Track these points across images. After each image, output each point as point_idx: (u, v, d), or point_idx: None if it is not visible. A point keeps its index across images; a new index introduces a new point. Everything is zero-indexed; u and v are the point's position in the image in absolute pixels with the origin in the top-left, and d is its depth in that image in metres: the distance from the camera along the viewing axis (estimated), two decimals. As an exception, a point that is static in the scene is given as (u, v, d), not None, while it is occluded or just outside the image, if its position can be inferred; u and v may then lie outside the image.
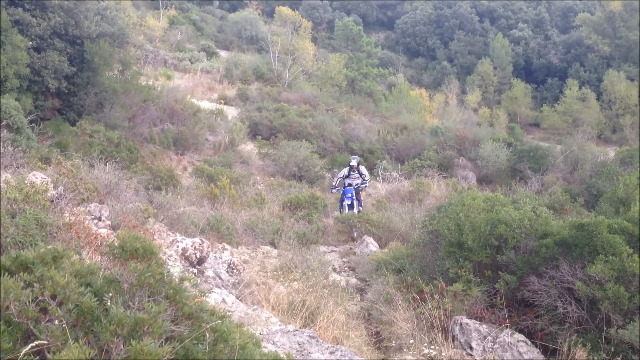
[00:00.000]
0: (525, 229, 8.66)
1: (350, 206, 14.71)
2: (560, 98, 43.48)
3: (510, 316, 8.13)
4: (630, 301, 7.48)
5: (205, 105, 25.47)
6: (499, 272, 8.50)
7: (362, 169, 15.39)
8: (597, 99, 43.24)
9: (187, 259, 6.96)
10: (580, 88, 43.87)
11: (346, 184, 15.06)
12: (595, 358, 6.59)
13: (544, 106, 43.77)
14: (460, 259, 8.65)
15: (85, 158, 10.59)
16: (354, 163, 15.14)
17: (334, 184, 15.56)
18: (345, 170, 15.33)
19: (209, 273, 7.14)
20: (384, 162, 21.42)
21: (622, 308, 7.51)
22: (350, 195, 14.78)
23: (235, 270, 7.56)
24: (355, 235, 13.19)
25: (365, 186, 15.48)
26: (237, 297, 6.77)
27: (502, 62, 50.00)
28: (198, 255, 7.06)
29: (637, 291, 7.57)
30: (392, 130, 25.30)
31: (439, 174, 20.91)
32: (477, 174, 21.57)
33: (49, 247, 3.13)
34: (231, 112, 26.01)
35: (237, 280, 7.52)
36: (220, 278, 7.36)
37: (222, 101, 28.07)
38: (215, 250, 8.12)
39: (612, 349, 7.04)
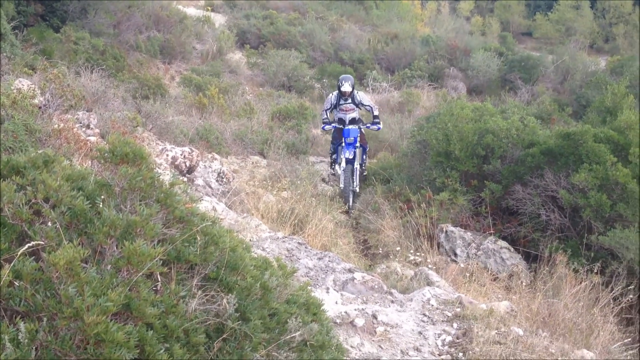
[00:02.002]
0: (512, 138, 8.75)
1: (350, 161, 9.59)
2: (553, 6, 42.64)
3: (494, 224, 8.35)
4: (611, 209, 7.69)
5: (192, 12, 24.77)
6: (485, 181, 8.65)
7: (363, 96, 9.96)
8: (591, 7, 42.49)
9: (176, 167, 7.01)
10: (574, -4, 43.02)
11: (345, 121, 9.84)
12: (576, 263, 6.82)
13: (537, 14, 42.98)
14: (448, 169, 8.77)
15: (70, 66, 10.40)
16: (346, 88, 9.65)
17: (323, 117, 10.12)
18: (331, 97, 9.95)
19: (199, 182, 7.21)
20: (374, 72, 21.18)
21: (604, 215, 7.73)
22: (352, 140, 9.58)
23: (224, 179, 7.63)
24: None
25: (379, 128, 10.05)
26: (227, 206, 6.87)
27: (497, -31, 48.57)
28: (188, 164, 7.10)
29: (619, 199, 7.76)
30: (382, 40, 24.88)
31: (429, 85, 20.77)
32: (468, 84, 21.45)
33: (40, 151, 3.15)
34: (218, 19, 25.37)
35: (226, 189, 7.60)
36: (210, 187, 7.44)
37: (209, 8, 27.29)
38: (204, 160, 8.16)
39: (592, 255, 7.29)
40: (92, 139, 5.06)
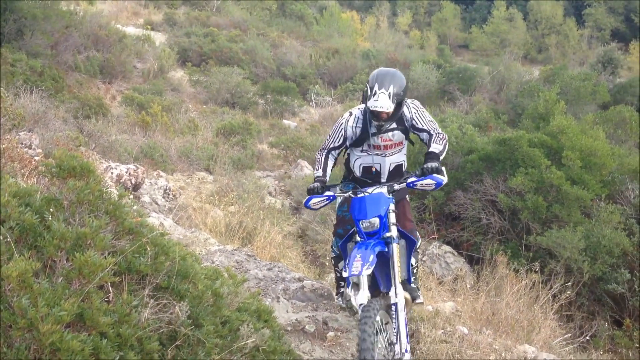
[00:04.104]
0: (451, 146, 9.03)
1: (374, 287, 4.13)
2: (488, 19, 44.10)
3: (438, 229, 8.60)
4: (547, 210, 8.06)
5: (131, 31, 24.51)
6: (428, 188, 8.89)
7: (418, 112, 4.50)
8: (524, 19, 44.14)
9: (122, 185, 6.97)
10: (507, 8, 44.60)
11: (381, 172, 4.66)
12: (516, 263, 7.09)
13: (473, 27, 44.39)
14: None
15: (8, 87, 10.20)
16: (383, 103, 4.16)
17: (316, 170, 4.59)
18: (346, 123, 4.58)
19: (145, 199, 7.20)
20: (317, 86, 21.46)
21: (541, 217, 8.09)
22: (375, 224, 4.06)
23: (171, 196, 7.63)
24: None
25: (439, 183, 4.05)
26: (174, 221, 6.88)
27: (432, -16, 49.96)
28: (133, 182, 7.08)
29: (554, 200, 8.14)
30: (324, 55, 25.24)
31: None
32: (409, 96, 21.89)
33: (-16, 169, 3.15)
34: (159, 38, 25.17)
35: (173, 205, 7.61)
36: (156, 203, 7.43)
37: (149, 27, 27.07)
38: (150, 177, 8.13)
39: (531, 255, 7.60)
40: (37, 158, 5.02)
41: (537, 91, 14.14)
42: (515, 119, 15.61)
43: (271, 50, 24.91)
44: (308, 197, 4.25)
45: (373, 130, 4.46)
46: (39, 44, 16.48)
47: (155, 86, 18.31)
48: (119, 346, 2.55)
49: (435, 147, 4.25)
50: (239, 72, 20.24)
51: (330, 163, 4.64)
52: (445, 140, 4.34)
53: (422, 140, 4.52)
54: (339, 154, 4.72)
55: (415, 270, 4.69)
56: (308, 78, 22.65)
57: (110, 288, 2.88)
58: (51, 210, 2.91)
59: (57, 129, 8.19)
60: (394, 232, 4.06)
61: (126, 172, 7.04)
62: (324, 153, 4.63)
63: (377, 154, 4.56)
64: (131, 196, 6.96)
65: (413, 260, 4.59)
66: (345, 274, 3.85)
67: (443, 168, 4.07)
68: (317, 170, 4.55)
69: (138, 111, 13.86)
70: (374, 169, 4.62)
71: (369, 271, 3.62)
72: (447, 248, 8.07)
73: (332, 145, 4.63)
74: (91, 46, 19.47)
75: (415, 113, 4.47)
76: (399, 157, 4.63)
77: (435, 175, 3.99)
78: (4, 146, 4.42)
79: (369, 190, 4.19)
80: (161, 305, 3.02)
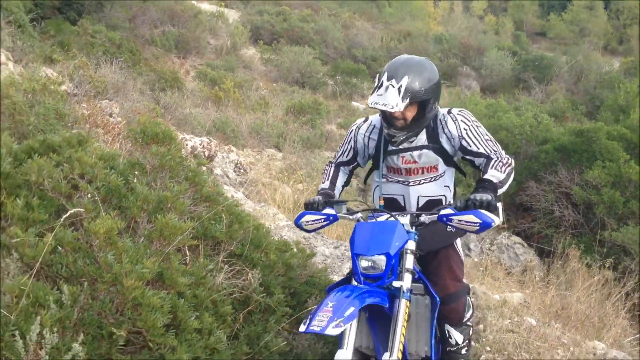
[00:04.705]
0: (526, 135, 8.81)
1: None
2: (567, 6, 42.49)
3: (508, 220, 8.42)
4: (624, 206, 7.76)
5: (206, 7, 24.91)
6: (499, 176, 8.72)
7: (472, 131, 3.11)
8: (605, 8, 42.31)
9: (195, 157, 7.13)
10: (588, -4, 42.89)
11: (406, 204, 3.29)
12: (589, 258, 6.89)
13: (551, 14, 42.85)
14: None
15: (89, 58, 10.55)
16: (390, 100, 2.88)
17: (320, 186, 3.35)
18: (357, 131, 3.35)
19: (217, 171, 7.33)
20: (387, 69, 21.23)
21: (617, 212, 7.80)
22: (380, 266, 2.74)
23: (242, 170, 7.75)
24: None
25: (490, 223, 2.70)
26: (245, 195, 6.99)
27: (511, -32, 48.47)
28: (207, 154, 7.22)
29: (632, 196, 7.83)
30: (395, 37, 24.95)
31: (442, 83, 20.80)
32: (481, 83, 21.48)
33: (74, 131, 3.27)
34: (232, 15, 25.49)
35: (244, 180, 7.72)
36: (227, 177, 7.56)
37: (223, 4, 27.44)
38: (222, 151, 8.28)
39: (605, 251, 7.35)
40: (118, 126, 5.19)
41: (618, 83, 13.58)
42: (593, 111, 15.07)
43: (342, 31, 24.82)
44: (301, 212, 3.00)
45: (390, 148, 3.19)
46: (118, 17, 17.00)
47: (227, 62, 18.57)
48: (194, 307, 2.61)
49: (493, 174, 2.91)
50: (309, 51, 20.27)
51: (342, 177, 3.40)
52: (510, 168, 2.98)
53: (476, 166, 3.14)
54: (351, 171, 3.48)
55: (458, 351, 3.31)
56: (378, 60, 22.46)
57: (187, 251, 2.95)
58: (136, 173, 3.00)
59: (135, 100, 8.43)
60: (406, 282, 2.75)
61: (200, 145, 7.19)
62: (332, 166, 3.41)
63: (399, 181, 3.24)
64: (204, 168, 7.12)
65: (459, 338, 3.29)
66: (301, 328, 2.43)
67: (499, 205, 2.75)
68: (324, 182, 3.31)
69: (211, 86, 14.10)
70: (391, 201, 3.27)
71: (338, 331, 2.37)
72: (517, 239, 7.90)
73: (340, 160, 3.39)
74: (167, 21, 19.92)
75: (465, 129, 3.08)
76: (434, 189, 3.21)
77: (482, 211, 2.68)
78: (88, 112, 4.59)
79: (385, 217, 2.96)
80: (234, 271, 3.08)
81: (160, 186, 3.04)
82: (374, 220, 2.95)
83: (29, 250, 2.34)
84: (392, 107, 2.86)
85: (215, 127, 10.02)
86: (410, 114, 3.00)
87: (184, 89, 12.87)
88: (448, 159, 3.19)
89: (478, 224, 2.68)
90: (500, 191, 2.90)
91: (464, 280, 3.38)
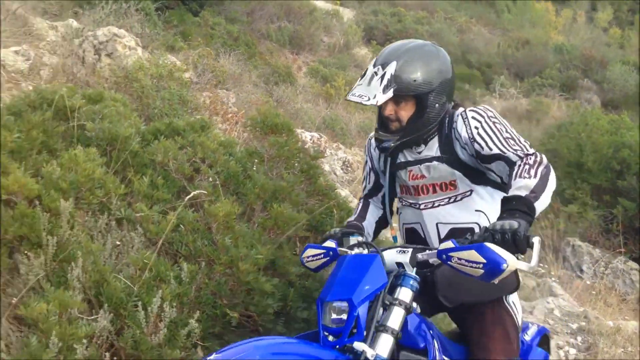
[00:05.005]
0: (651, 154, 8.27)
1: None
2: None
3: (625, 243, 7.93)
4: None
5: (321, 5, 25.22)
6: (618, 197, 8.25)
7: (485, 127, 2.27)
8: None
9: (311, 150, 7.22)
10: None
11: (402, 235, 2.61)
12: None
13: (684, 30, 40.07)
14: (578, 180, 8.46)
15: (210, 48, 10.94)
16: (361, 89, 2.33)
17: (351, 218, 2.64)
18: (373, 140, 2.60)
19: (326, 167, 7.39)
20: (502, 77, 20.63)
21: None
22: (340, 327, 1.92)
23: (349, 168, 7.77)
24: None
25: (495, 270, 1.73)
26: (351, 193, 7.00)
27: (643, -22, 45.72)
28: (316, 149, 7.29)
29: None
30: (512, 44, 24.16)
31: (560, 95, 19.94)
32: (602, 97, 20.39)
33: (198, 117, 3.38)
34: (347, 13, 25.62)
35: (351, 178, 7.73)
36: (335, 174, 7.60)
37: (338, 2, 27.67)
38: (330, 148, 8.34)
39: None
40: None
41: None
42: None
43: (457, 35, 24.35)
44: (306, 246, 2.37)
45: (400, 157, 2.46)
46: (237, 11, 17.57)
47: (339, 61, 18.70)
48: (303, 297, 2.63)
49: (520, 185, 1.98)
50: (422, 54, 20.01)
51: (374, 211, 2.67)
52: (542, 167, 2.05)
53: (501, 182, 2.26)
54: (385, 203, 2.66)
55: None
56: (493, 67, 21.85)
57: (297, 242, 2.98)
58: (255, 161, 3.06)
59: (250, 91, 8.65)
60: (381, 347, 1.87)
61: (310, 139, 7.27)
62: (361, 201, 2.73)
63: (411, 204, 2.47)
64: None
65: None
66: None
67: (537, 240, 1.77)
68: (353, 222, 2.57)
69: (322, 83, 14.24)
70: (413, 232, 2.49)
71: None
72: (634, 265, 7.42)
73: (367, 190, 2.71)
74: (283, 17, 20.34)
75: (477, 127, 2.28)
76: (457, 215, 2.35)
77: (488, 245, 1.75)
78: (209, 100, 4.76)
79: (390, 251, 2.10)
80: (343, 267, 3.08)
81: (275, 176, 3.09)
82: (351, 252, 2.17)
83: (153, 227, 2.45)
84: (369, 99, 2.20)
85: (325, 123, 10.10)
86: (405, 114, 2.30)
87: (296, 84, 13.08)
88: (473, 174, 2.32)
89: (481, 265, 1.74)
90: (540, 205, 1.93)
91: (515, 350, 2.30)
